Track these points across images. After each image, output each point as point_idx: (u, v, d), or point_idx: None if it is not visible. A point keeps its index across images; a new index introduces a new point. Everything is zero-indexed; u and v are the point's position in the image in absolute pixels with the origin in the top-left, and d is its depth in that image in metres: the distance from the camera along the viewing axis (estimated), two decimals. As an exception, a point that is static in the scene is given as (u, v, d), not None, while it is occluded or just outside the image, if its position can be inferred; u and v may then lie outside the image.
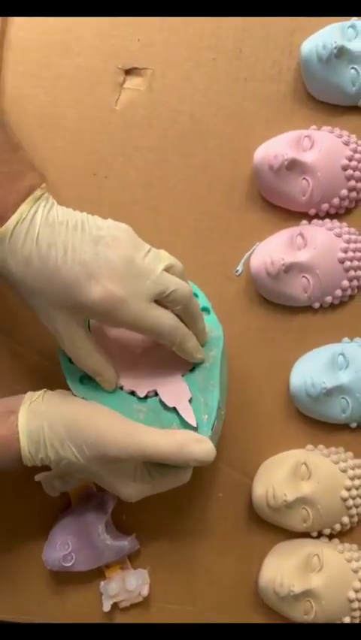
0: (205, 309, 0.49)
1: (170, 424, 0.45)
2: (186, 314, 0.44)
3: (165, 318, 0.42)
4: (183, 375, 0.46)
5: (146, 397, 0.46)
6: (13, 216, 0.41)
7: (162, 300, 0.42)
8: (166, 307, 0.43)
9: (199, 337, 0.46)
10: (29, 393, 0.45)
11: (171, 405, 0.45)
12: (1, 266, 0.41)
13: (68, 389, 0.46)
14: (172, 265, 0.43)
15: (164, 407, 0.45)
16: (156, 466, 0.44)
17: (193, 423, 0.44)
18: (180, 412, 0.45)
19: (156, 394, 0.46)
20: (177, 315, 0.44)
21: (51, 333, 0.44)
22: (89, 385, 0.46)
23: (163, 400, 0.45)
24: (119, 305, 0.41)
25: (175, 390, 0.45)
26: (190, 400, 0.45)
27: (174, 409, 0.45)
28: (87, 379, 0.46)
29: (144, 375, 0.46)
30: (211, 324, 0.48)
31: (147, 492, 0.45)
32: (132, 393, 0.46)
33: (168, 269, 0.43)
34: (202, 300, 0.49)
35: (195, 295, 0.48)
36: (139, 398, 0.46)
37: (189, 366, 0.46)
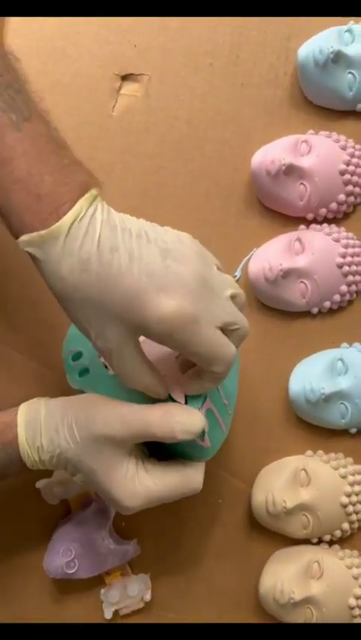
0: None
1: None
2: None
3: (230, 348, 0.38)
4: None
5: None
6: (70, 212, 0.35)
7: (226, 333, 0.39)
8: None
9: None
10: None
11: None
12: (52, 269, 0.36)
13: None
14: (237, 295, 0.40)
15: None
16: (153, 461, 0.42)
17: (181, 400, 0.41)
18: (172, 393, 0.41)
19: None
20: None
21: (96, 349, 0.39)
22: (86, 377, 0.45)
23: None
24: (190, 325, 0.36)
25: (173, 379, 0.42)
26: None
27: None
28: (86, 372, 0.45)
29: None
30: None
31: (144, 494, 0.41)
32: None
33: (233, 297, 0.40)
34: None
35: None
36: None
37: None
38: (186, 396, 0.41)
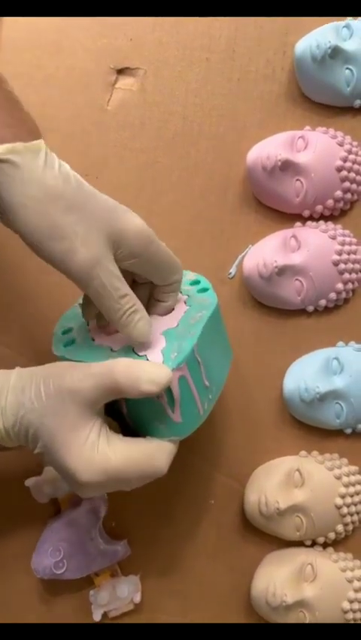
0: (204, 289, 0.47)
1: None
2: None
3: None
4: (163, 332, 0.43)
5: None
6: (41, 140, 0.40)
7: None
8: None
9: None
10: None
11: (141, 353, 0.42)
12: (35, 177, 0.38)
13: None
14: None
15: (137, 356, 0.42)
16: (117, 435, 0.40)
17: (158, 359, 0.41)
18: (148, 357, 0.41)
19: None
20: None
21: (77, 265, 0.39)
22: (71, 347, 0.44)
23: (135, 350, 0.42)
24: (154, 237, 0.41)
25: (150, 342, 0.43)
26: (163, 349, 0.42)
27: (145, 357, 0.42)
28: (71, 344, 0.45)
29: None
30: (208, 295, 0.46)
31: (101, 465, 0.38)
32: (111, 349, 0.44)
33: None
34: (204, 283, 0.48)
35: (198, 282, 0.48)
36: (114, 350, 0.43)
37: (172, 324, 0.44)
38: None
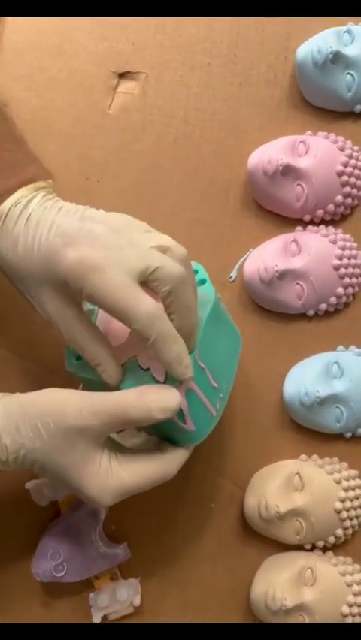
0: (202, 281, 0.45)
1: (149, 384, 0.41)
2: (175, 303, 0.38)
3: (144, 301, 0.37)
4: None
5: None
6: (9, 198, 0.39)
7: (148, 283, 0.38)
8: (154, 294, 0.38)
9: (187, 341, 0.39)
10: None
11: (145, 366, 0.41)
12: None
13: None
14: (169, 247, 0.38)
15: (142, 370, 0.41)
16: (126, 452, 0.40)
17: (161, 379, 0.40)
18: (152, 372, 0.40)
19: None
20: (169, 313, 0.38)
21: (50, 324, 0.40)
22: (82, 362, 0.43)
23: (140, 362, 0.41)
24: (92, 273, 0.36)
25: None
26: None
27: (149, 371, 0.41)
28: (82, 358, 0.43)
29: (126, 344, 0.42)
30: (205, 291, 0.44)
31: (116, 487, 0.39)
32: None
33: (162, 250, 0.38)
34: (201, 274, 0.45)
35: (195, 271, 0.44)
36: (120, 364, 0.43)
37: None
38: (166, 378, 0.40)
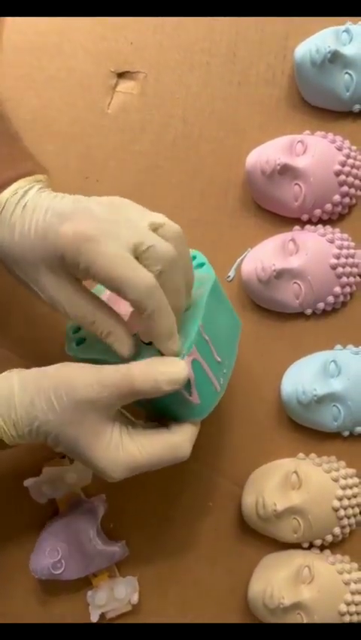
0: (200, 265, 0.46)
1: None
2: (167, 283, 0.38)
3: (143, 272, 0.37)
4: None
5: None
6: (7, 190, 0.40)
7: (140, 260, 0.38)
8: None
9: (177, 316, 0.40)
10: None
11: (146, 340, 0.41)
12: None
13: None
14: (162, 224, 0.39)
15: (145, 344, 0.42)
16: (137, 427, 0.41)
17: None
18: (155, 343, 0.40)
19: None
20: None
21: (52, 308, 0.41)
22: (82, 345, 0.44)
23: (140, 337, 0.42)
24: (89, 245, 0.37)
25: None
26: None
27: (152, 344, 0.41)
28: (82, 342, 0.45)
29: (128, 320, 0.42)
30: (205, 271, 0.45)
31: (127, 461, 0.39)
32: None
33: (155, 227, 0.39)
34: (200, 258, 0.46)
35: (193, 257, 0.45)
36: None
37: None
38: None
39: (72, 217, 0.38)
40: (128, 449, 0.40)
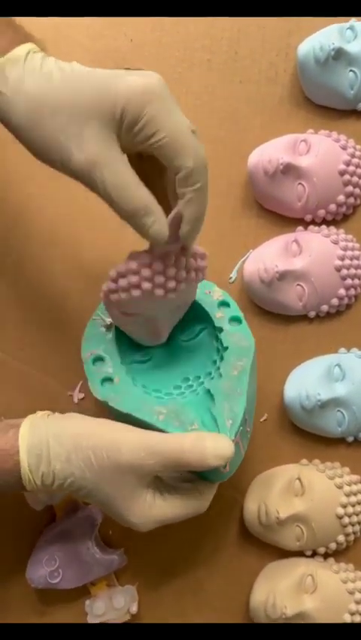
0: (236, 319, 0.47)
1: (191, 423, 0.42)
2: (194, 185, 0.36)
3: (203, 149, 0.37)
4: (211, 387, 0.44)
5: (168, 396, 0.46)
6: (25, 45, 0.37)
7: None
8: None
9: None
10: (32, 415, 0.42)
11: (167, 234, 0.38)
12: (16, 89, 0.35)
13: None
14: (195, 130, 0.37)
15: (187, 408, 0.43)
16: (169, 487, 0.42)
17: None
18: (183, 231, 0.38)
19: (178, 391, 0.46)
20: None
21: (80, 171, 0.36)
22: (110, 387, 0.44)
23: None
24: (157, 102, 0.35)
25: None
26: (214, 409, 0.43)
27: (197, 411, 0.43)
28: (108, 381, 0.44)
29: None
30: (242, 333, 0.46)
31: (159, 519, 0.41)
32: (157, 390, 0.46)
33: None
34: (234, 309, 0.47)
35: (227, 304, 0.47)
36: (160, 398, 0.45)
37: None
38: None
39: (135, 73, 0.36)
40: (160, 509, 0.41)
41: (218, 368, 0.45)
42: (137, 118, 0.35)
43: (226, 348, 0.45)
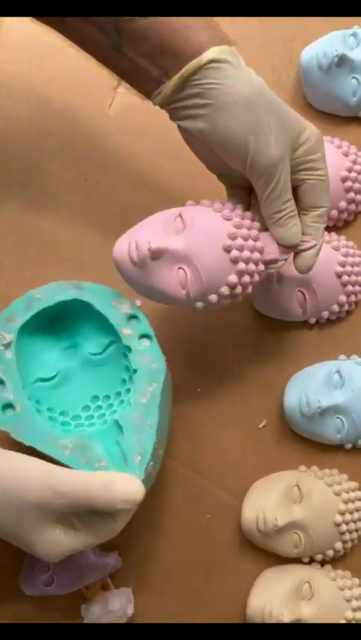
0: (146, 336, 0.43)
1: (99, 461, 0.40)
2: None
3: None
4: (115, 412, 0.43)
5: (75, 420, 0.44)
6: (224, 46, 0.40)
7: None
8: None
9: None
10: None
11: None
12: (243, 76, 0.40)
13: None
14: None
15: (94, 442, 0.41)
16: (80, 515, 0.39)
17: (273, 255, 0.43)
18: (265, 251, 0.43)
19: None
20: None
21: (269, 166, 0.40)
22: (11, 415, 0.41)
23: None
24: (323, 146, 0.43)
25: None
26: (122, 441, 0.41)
27: (100, 445, 0.41)
28: (9, 408, 0.42)
29: None
30: (152, 354, 0.43)
31: (68, 550, 0.39)
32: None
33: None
34: (143, 326, 0.43)
35: (136, 317, 0.43)
36: (66, 425, 0.43)
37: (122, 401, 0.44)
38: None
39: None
40: (70, 543, 0.39)
41: (128, 390, 0.43)
42: (315, 150, 0.42)
43: (135, 370, 0.42)
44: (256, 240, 0.42)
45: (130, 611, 0.50)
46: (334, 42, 0.50)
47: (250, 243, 0.41)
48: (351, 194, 0.51)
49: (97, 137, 0.53)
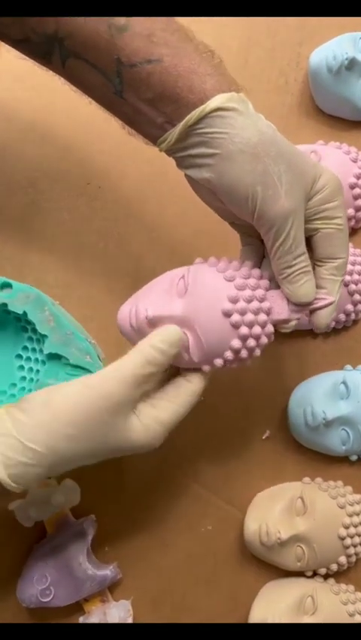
0: (6, 285, 0.46)
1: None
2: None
3: None
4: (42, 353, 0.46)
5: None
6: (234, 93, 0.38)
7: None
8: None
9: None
10: None
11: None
12: (251, 123, 0.38)
13: None
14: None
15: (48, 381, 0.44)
16: (155, 390, 0.40)
17: (284, 315, 0.40)
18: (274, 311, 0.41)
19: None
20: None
21: (278, 220, 0.38)
22: None
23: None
24: (341, 193, 0.40)
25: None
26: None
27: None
28: None
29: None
30: (21, 292, 0.45)
31: (163, 429, 0.39)
32: None
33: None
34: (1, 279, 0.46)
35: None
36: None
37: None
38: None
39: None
40: (158, 421, 0.39)
41: (35, 330, 0.45)
42: (331, 198, 0.39)
43: (25, 313, 0.45)
44: (261, 300, 0.40)
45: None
46: (344, 45, 0.49)
47: (254, 304, 0.39)
48: (359, 202, 0.50)
49: (100, 140, 0.52)
